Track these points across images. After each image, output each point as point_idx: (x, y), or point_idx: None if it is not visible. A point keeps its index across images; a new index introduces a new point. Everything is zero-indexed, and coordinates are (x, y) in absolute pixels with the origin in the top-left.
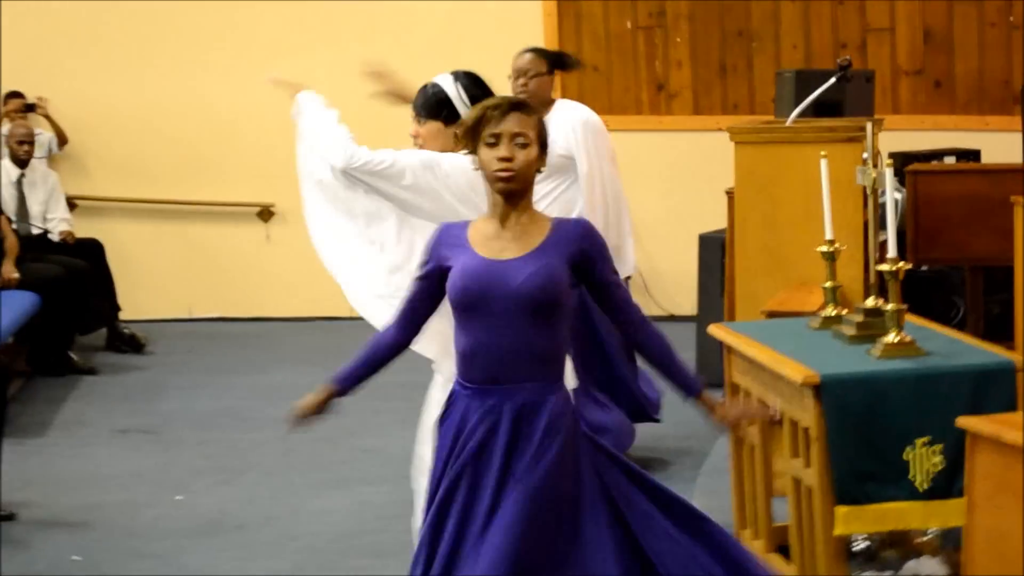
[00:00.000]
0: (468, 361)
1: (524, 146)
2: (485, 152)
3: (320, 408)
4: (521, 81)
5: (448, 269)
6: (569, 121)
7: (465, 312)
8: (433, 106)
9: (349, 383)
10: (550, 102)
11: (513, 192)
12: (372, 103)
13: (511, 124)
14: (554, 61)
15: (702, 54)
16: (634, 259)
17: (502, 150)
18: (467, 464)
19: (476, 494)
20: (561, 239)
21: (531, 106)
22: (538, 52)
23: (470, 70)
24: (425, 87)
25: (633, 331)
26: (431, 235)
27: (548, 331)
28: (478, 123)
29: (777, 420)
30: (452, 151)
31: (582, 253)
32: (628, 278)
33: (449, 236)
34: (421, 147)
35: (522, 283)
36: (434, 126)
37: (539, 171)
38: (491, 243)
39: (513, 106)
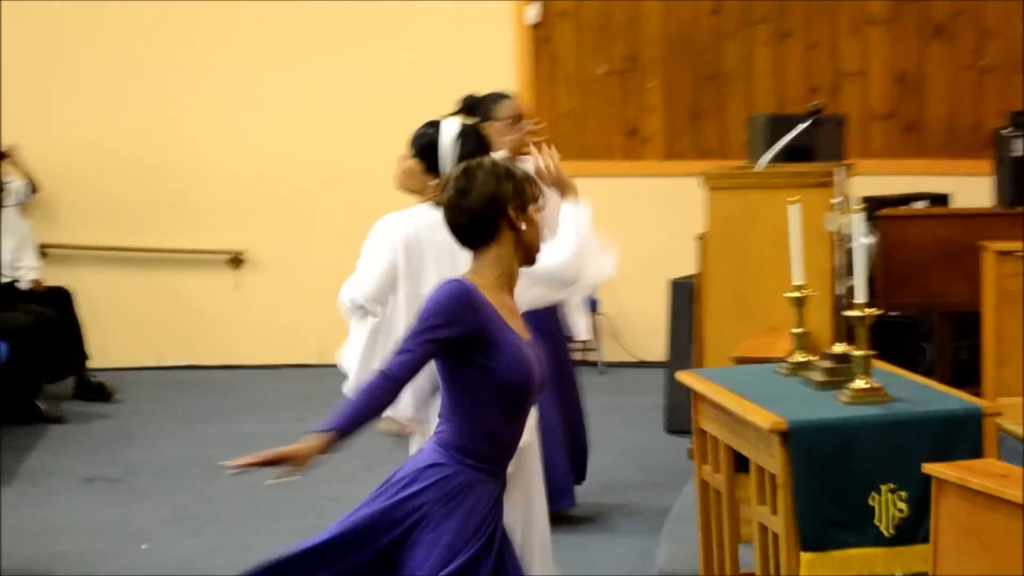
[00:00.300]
0: (501, 447)
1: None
2: (534, 218)
3: (316, 457)
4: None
5: (483, 340)
6: None
7: (517, 398)
8: (422, 147)
9: (348, 431)
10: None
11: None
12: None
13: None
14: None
15: (675, 98)
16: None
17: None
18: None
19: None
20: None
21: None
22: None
23: (478, 129)
24: (427, 125)
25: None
26: (447, 293)
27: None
28: (529, 189)
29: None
30: (420, 191)
31: None
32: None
33: (477, 301)
34: (397, 176)
35: (544, 369)
36: (414, 165)
37: None
38: (514, 320)
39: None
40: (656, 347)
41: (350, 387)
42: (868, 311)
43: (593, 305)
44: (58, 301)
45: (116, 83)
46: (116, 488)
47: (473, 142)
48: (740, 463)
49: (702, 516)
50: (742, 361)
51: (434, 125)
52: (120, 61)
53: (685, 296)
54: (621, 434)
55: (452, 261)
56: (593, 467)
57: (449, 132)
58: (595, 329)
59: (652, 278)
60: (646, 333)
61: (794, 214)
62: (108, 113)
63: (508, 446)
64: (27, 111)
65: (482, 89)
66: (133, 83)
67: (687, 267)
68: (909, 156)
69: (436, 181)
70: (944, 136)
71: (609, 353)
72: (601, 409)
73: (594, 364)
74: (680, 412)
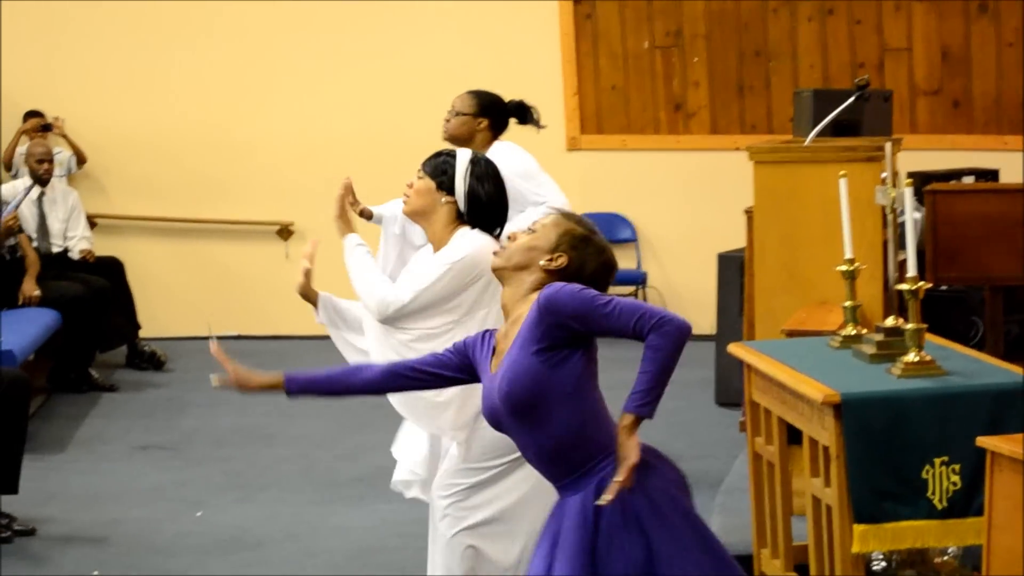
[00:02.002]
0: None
1: (529, 232)
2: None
3: (259, 390)
4: (445, 116)
5: (469, 364)
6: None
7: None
8: (438, 170)
9: (298, 389)
10: (480, 147)
11: (499, 271)
12: (393, 121)
13: (541, 219)
14: (487, 106)
15: (720, 74)
16: None
17: None
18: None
19: None
20: (533, 320)
21: (573, 219)
22: (474, 94)
23: (491, 161)
24: (441, 153)
25: (646, 337)
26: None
27: (544, 428)
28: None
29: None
30: (431, 211)
31: (548, 323)
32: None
33: (480, 340)
34: (406, 199)
35: (497, 391)
36: (428, 185)
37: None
38: (504, 343)
39: (562, 213)
40: (704, 320)
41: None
42: (920, 284)
43: (641, 279)
44: (110, 271)
45: (165, 56)
46: (169, 456)
47: (484, 169)
48: (793, 435)
49: (755, 488)
50: (793, 334)
51: (449, 153)
52: (169, 34)
53: (733, 269)
54: (671, 407)
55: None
56: (643, 439)
57: (463, 159)
58: (644, 302)
59: (699, 252)
60: (694, 306)
61: (843, 188)
62: (157, 85)
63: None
64: (76, 84)
65: (529, 67)
66: (183, 55)
67: (734, 241)
68: (955, 132)
69: (447, 198)
70: (990, 112)
71: None
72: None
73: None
74: (730, 385)
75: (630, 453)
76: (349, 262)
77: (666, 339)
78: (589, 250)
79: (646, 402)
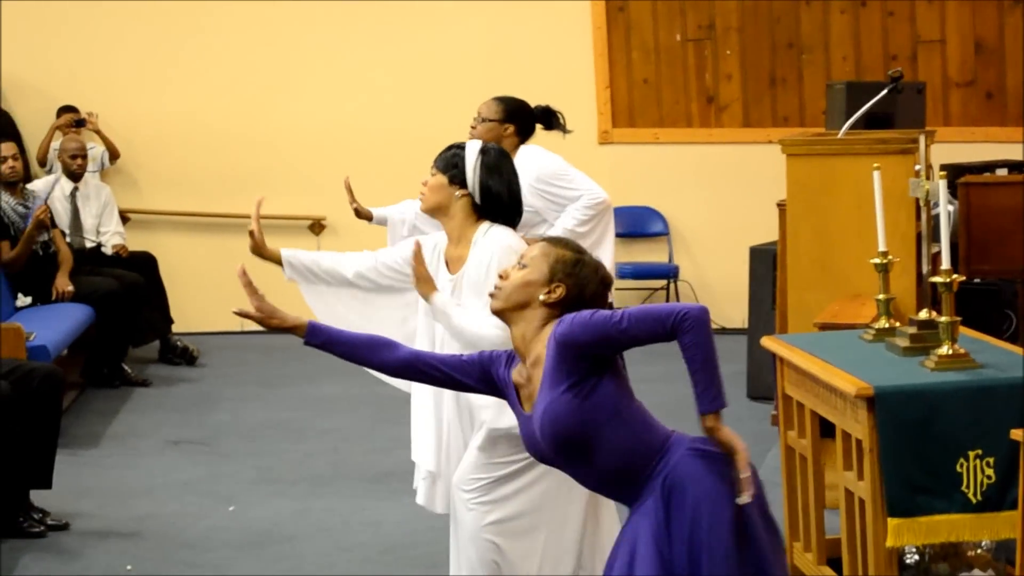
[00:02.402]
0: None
1: (521, 266)
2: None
3: (280, 328)
4: (471, 123)
5: (489, 377)
6: (523, 176)
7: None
8: (449, 164)
9: (318, 343)
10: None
11: (500, 314)
12: (426, 116)
13: (528, 251)
14: (513, 112)
15: (752, 66)
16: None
17: None
18: None
19: None
20: (554, 360)
21: (561, 243)
22: (500, 100)
23: (503, 150)
24: (451, 146)
25: (677, 339)
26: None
27: (597, 457)
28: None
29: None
30: (448, 206)
31: (569, 358)
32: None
33: (504, 361)
34: (423, 196)
35: (542, 437)
36: (440, 180)
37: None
38: (526, 387)
39: (544, 239)
40: (736, 313)
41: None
42: (954, 277)
43: (673, 272)
44: (143, 266)
45: (198, 51)
46: (202, 450)
47: (493, 158)
48: (825, 428)
49: (787, 482)
50: (826, 327)
51: (459, 146)
52: (202, 28)
53: (766, 262)
54: None
55: None
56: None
57: (472, 150)
58: (676, 295)
59: (731, 245)
60: (726, 299)
61: (877, 181)
62: (190, 80)
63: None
64: (109, 79)
65: (561, 59)
66: (216, 50)
67: (766, 234)
68: (989, 124)
69: (461, 191)
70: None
71: None
72: (682, 376)
73: None
74: (762, 378)
75: (735, 444)
76: (454, 322)
77: (696, 333)
78: (585, 272)
79: (714, 395)
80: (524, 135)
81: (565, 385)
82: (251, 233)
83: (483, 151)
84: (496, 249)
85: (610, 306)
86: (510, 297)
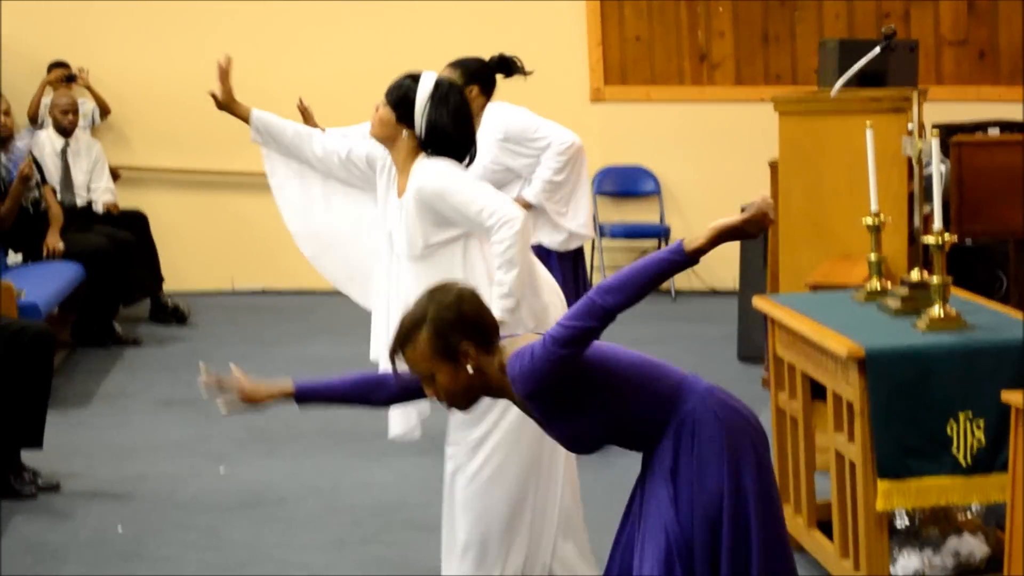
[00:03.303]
0: None
1: (431, 378)
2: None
3: (267, 401)
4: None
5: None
6: (491, 135)
7: None
8: (397, 99)
9: (308, 398)
10: (478, 114)
11: (474, 404)
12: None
13: (412, 366)
14: (472, 73)
15: (744, 24)
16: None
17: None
18: None
19: None
20: (528, 404)
21: (409, 340)
22: (455, 64)
23: (456, 87)
24: (405, 77)
25: (613, 307)
26: None
27: (620, 432)
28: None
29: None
30: (394, 139)
31: (544, 399)
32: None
33: None
34: (375, 135)
35: (570, 444)
36: (389, 116)
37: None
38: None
39: (397, 348)
40: (728, 275)
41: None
42: (946, 237)
43: (664, 232)
44: (133, 224)
45: (191, 5)
46: (193, 410)
47: (450, 100)
48: (816, 391)
49: (778, 444)
50: (817, 288)
51: (414, 78)
52: None
53: None
54: (693, 362)
55: None
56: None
57: (426, 86)
58: None
59: (723, 204)
60: (717, 261)
61: (870, 139)
62: (178, 36)
63: None
64: (100, 34)
65: (553, 20)
66: (206, 7)
67: (758, 193)
68: (981, 83)
69: (407, 131)
70: (1017, 63)
71: (680, 281)
72: (673, 337)
73: (666, 292)
74: (753, 340)
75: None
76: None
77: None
78: (451, 319)
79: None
80: (488, 92)
81: (559, 413)
82: (219, 87)
83: (436, 87)
84: (413, 191)
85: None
86: (464, 397)
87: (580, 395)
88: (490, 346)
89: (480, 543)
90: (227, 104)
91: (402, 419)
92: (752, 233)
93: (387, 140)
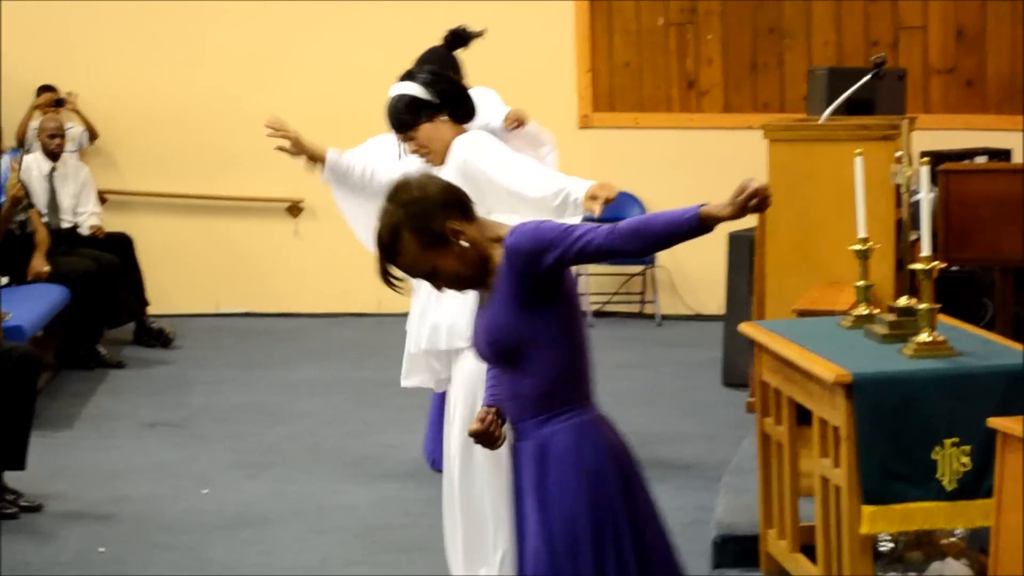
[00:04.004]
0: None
1: (434, 272)
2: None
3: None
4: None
5: None
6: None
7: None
8: (414, 113)
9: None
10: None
11: (476, 282)
12: None
13: (410, 272)
14: (433, 63)
15: (733, 51)
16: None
17: None
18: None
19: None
20: (504, 271)
21: (394, 250)
22: (417, 63)
23: (425, 63)
24: (397, 99)
25: (626, 248)
26: None
27: (525, 373)
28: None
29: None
30: (452, 139)
31: (525, 275)
32: None
33: None
34: (426, 154)
35: (478, 340)
36: (427, 128)
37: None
38: (485, 292)
39: (385, 264)
40: (713, 300)
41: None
42: (934, 264)
43: (651, 258)
44: (119, 247)
45: (178, 31)
46: (177, 433)
47: (429, 71)
48: (802, 416)
49: (763, 468)
50: (804, 314)
51: (396, 98)
52: (182, 9)
53: (744, 249)
54: (678, 386)
55: None
56: (650, 419)
57: (406, 88)
58: (652, 282)
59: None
60: (703, 286)
61: (859, 166)
62: (167, 61)
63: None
64: (89, 59)
65: (544, 43)
66: (196, 30)
67: (744, 221)
68: (969, 111)
69: (441, 118)
70: (1004, 92)
71: (666, 306)
72: (658, 361)
73: (651, 317)
74: (738, 365)
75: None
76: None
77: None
78: (421, 202)
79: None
80: (463, 118)
81: (513, 298)
82: (285, 143)
83: (411, 77)
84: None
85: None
86: (468, 278)
87: (538, 297)
88: (469, 213)
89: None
90: (300, 152)
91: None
92: (760, 208)
93: (443, 149)
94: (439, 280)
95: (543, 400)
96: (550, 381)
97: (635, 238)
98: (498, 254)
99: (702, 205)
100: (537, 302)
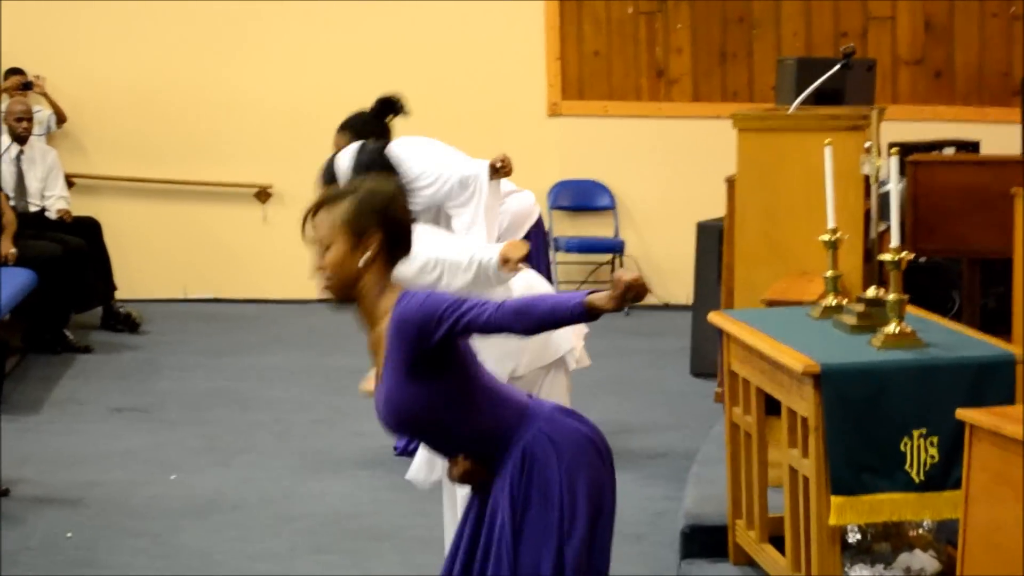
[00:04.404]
0: None
1: (325, 249)
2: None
3: None
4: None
5: None
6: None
7: None
8: (326, 178)
9: None
10: None
11: (343, 301)
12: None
13: (316, 230)
14: (359, 130)
15: (703, 41)
16: None
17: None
18: None
19: None
20: (392, 338)
21: (331, 203)
22: (340, 129)
23: (377, 145)
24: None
25: (513, 326)
26: None
27: (443, 436)
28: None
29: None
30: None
31: (413, 346)
32: None
33: None
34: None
35: (382, 416)
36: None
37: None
38: (376, 353)
39: (316, 209)
40: (681, 290)
41: None
42: (903, 255)
43: (619, 247)
44: (87, 231)
45: (145, 15)
46: (145, 418)
47: (367, 155)
48: (771, 406)
49: (731, 459)
50: (773, 304)
51: (330, 159)
52: None
53: (712, 239)
54: (647, 376)
55: None
56: (619, 408)
57: (345, 156)
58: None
59: (678, 221)
60: (671, 276)
61: (828, 156)
62: (136, 45)
63: None
64: (57, 42)
65: (513, 32)
66: (162, 15)
67: (713, 210)
68: (937, 103)
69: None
70: (972, 83)
71: None
72: (626, 351)
73: None
74: (706, 355)
75: (619, 290)
76: None
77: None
78: (378, 199)
79: (570, 298)
80: (380, 138)
81: (404, 370)
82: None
83: (358, 152)
84: None
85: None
86: (341, 281)
87: (431, 368)
88: (393, 256)
89: None
90: None
91: (426, 466)
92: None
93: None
94: (322, 262)
95: (479, 445)
96: (472, 436)
97: (521, 316)
98: (385, 312)
99: (589, 293)
100: (429, 372)
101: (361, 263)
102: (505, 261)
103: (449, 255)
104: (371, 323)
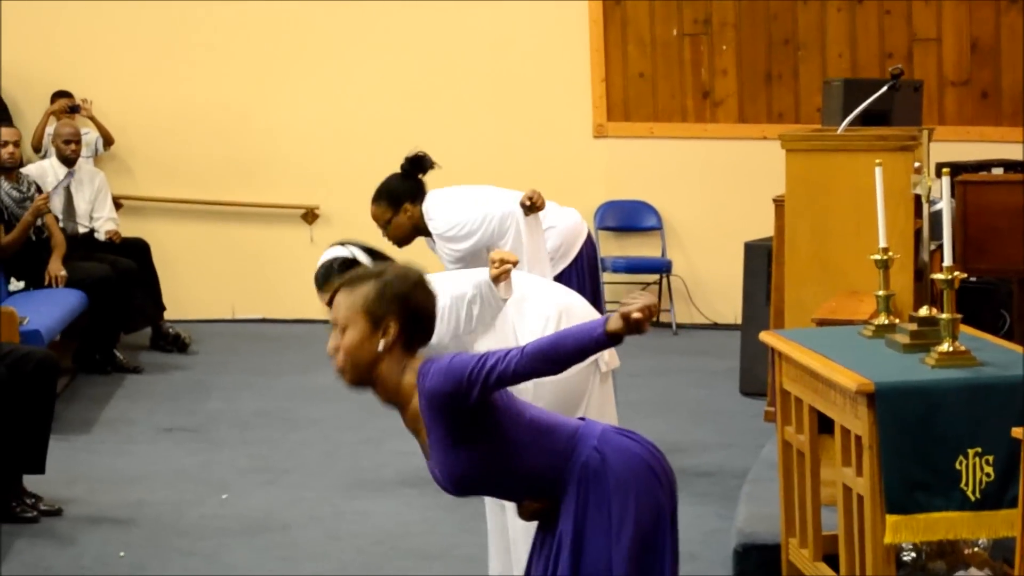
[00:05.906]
0: None
1: (342, 331)
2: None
3: None
4: (384, 235)
5: None
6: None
7: None
8: (321, 280)
9: None
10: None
11: (358, 385)
12: (422, 107)
13: (335, 311)
14: (396, 196)
15: (748, 62)
16: None
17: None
18: None
19: None
20: (429, 415)
21: (352, 284)
22: (376, 198)
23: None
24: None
25: (540, 369)
26: None
27: (507, 482)
28: None
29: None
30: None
31: (451, 414)
32: None
33: None
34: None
35: (444, 487)
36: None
37: (391, 346)
38: (418, 430)
39: (336, 290)
40: (728, 309)
41: None
42: (956, 274)
43: (666, 267)
44: (136, 252)
45: (194, 38)
46: (194, 438)
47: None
48: (823, 424)
49: (784, 477)
50: (824, 323)
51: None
52: (198, 15)
53: (760, 258)
54: (695, 395)
55: None
56: (668, 428)
57: (332, 252)
58: (668, 290)
59: (725, 240)
60: (719, 295)
61: (879, 176)
62: (181, 69)
63: None
64: (104, 65)
65: (558, 53)
66: (211, 37)
67: (760, 230)
68: (983, 123)
69: None
70: (1018, 104)
71: (681, 315)
72: (675, 370)
73: (667, 326)
74: (755, 374)
75: (636, 314)
76: None
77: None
78: (398, 288)
79: (593, 325)
80: (417, 198)
81: (450, 440)
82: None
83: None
84: None
85: None
86: (356, 366)
87: (474, 429)
88: (410, 345)
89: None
90: None
91: (504, 557)
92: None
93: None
94: (337, 344)
95: (539, 481)
96: (533, 474)
97: (547, 359)
98: (411, 388)
99: (606, 319)
100: (476, 434)
101: (380, 348)
102: (496, 277)
103: (455, 291)
104: (402, 402)
